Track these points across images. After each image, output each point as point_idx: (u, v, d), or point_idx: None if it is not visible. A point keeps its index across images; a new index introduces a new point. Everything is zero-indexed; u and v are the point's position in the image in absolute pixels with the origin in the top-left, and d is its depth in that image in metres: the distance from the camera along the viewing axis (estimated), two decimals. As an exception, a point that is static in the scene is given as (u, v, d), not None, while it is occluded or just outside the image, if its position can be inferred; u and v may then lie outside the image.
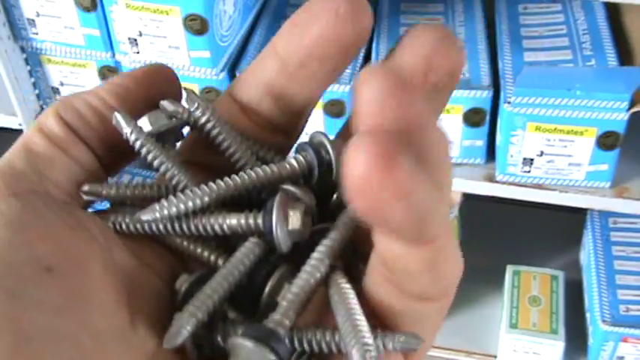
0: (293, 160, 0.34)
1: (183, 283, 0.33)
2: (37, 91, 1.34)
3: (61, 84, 1.31)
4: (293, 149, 0.36)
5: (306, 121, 0.36)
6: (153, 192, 0.35)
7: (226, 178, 0.34)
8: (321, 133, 0.35)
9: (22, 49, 1.29)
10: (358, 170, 0.24)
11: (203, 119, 0.35)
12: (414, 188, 0.24)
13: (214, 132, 0.35)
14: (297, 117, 0.35)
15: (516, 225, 1.71)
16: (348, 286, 0.31)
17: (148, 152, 0.34)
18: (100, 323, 0.30)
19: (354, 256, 0.33)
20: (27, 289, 0.29)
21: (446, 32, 0.30)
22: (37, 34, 1.24)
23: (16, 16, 1.23)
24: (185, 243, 0.34)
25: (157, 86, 0.36)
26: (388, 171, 0.24)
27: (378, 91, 0.25)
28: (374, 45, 1.22)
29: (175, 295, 0.33)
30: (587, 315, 1.48)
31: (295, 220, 0.32)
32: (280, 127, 0.36)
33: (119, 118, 0.34)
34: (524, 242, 1.68)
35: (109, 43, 1.21)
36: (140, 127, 0.34)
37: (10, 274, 0.29)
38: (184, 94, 0.36)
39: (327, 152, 0.34)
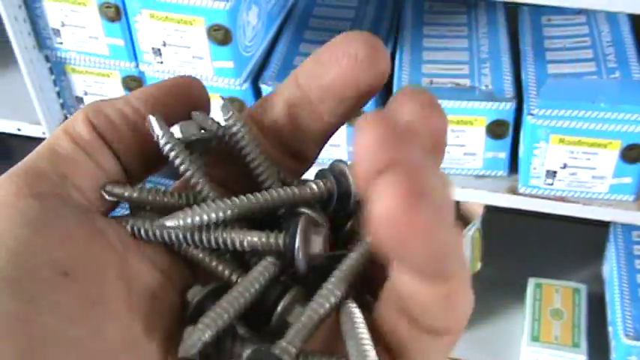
0: (314, 184, 0.35)
1: (195, 295, 0.33)
2: (61, 101, 1.35)
3: (85, 93, 1.32)
4: (313, 174, 0.36)
5: (321, 149, 0.37)
6: (174, 199, 0.35)
7: (250, 194, 0.34)
8: (342, 161, 0.35)
9: (47, 59, 1.30)
10: (386, 210, 0.25)
11: (234, 129, 0.35)
12: (436, 228, 0.25)
13: (242, 143, 0.35)
14: (313, 144, 0.36)
15: (539, 237, 1.70)
16: (359, 315, 0.31)
17: (176, 157, 0.34)
18: (112, 332, 0.30)
19: (362, 286, 0.34)
20: (42, 293, 0.29)
21: (429, 99, 0.31)
22: (61, 43, 1.25)
23: (41, 26, 1.24)
24: (201, 255, 0.34)
25: (185, 98, 0.36)
26: (415, 211, 0.24)
27: (374, 136, 0.26)
28: (397, 56, 1.22)
29: (186, 306, 0.33)
30: (610, 329, 1.47)
31: (317, 244, 0.33)
32: (296, 152, 0.37)
33: (152, 122, 0.34)
34: (547, 255, 1.67)
35: (133, 53, 1.21)
36: (172, 133, 0.34)
37: (27, 276, 0.29)
38: (219, 102, 0.36)
39: (347, 180, 0.34)
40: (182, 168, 0.34)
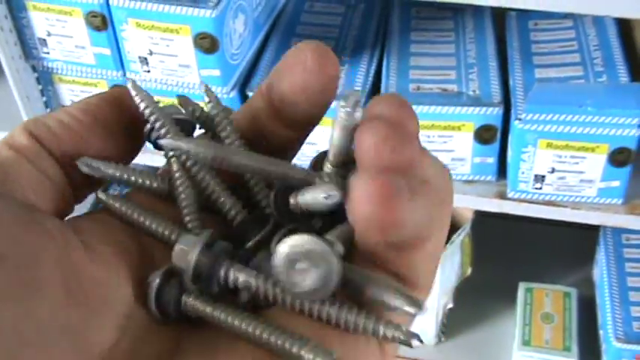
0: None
1: (155, 276, 0.32)
2: (48, 110, 1.35)
3: (73, 103, 1.31)
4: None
5: (303, 140, 0.38)
6: (153, 182, 0.35)
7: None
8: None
9: (34, 69, 1.29)
10: (363, 209, 0.30)
11: (213, 112, 0.36)
12: (408, 218, 0.30)
13: (222, 129, 0.36)
14: (282, 153, 0.37)
15: (529, 242, 1.71)
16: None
17: (156, 121, 0.35)
18: (47, 317, 0.29)
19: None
20: None
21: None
22: (48, 53, 1.25)
23: (27, 36, 1.24)
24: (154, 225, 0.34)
25: (129, 108, 0.36)
26: (387, 210, 0.29)
27: (375, 138, 0.30)
28: (384, 62, 1.22)
29: (147, 289, 0.32)
30: (601, 332, 1.47)
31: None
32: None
33: (131, 87, 0.35)
34: (537, 259, 1.67)
35: (120, 62, 1.21)
36: (152, 97, 0.35)
37: None
38: (201, 88, 0.37)
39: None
40: (162, 132, 0.35)
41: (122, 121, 0.36)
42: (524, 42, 1.26)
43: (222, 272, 0.32)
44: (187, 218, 0.34)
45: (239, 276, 0.32)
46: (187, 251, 0.32)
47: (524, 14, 1.31)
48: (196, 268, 0.32)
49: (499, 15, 1.33)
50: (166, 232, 0.34)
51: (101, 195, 0.35)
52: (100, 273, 0.32)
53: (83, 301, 0.31)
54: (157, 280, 0.32)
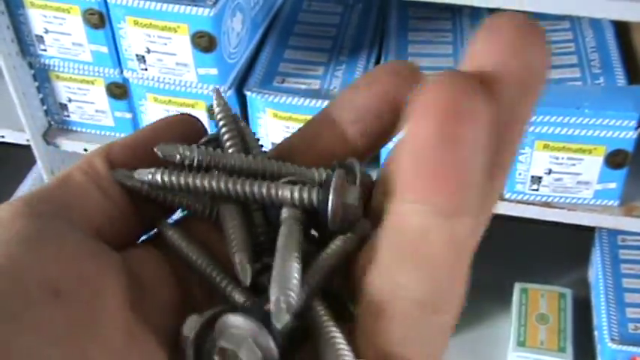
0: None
1: (192, 328, 0.31)
2: (45, 107, 1.35)
3: (69, 100, 1.31)
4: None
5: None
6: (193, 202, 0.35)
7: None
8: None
9: (31, 66, 1.29)
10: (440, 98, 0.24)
11: (218, 116, 0.35)
12: (473, 159, 0.25)
13: (223, 131, 0.35)
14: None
15: (525, 242, 1.71)
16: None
17: (226, 132, 0.34)
18: (102, 358, 0.28)
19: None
20: (29, 312, 0.27)
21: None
22: (45, 50, 1.24)
23: (24, 33, 1.24)
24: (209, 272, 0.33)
25: (197, 132, 0.36)
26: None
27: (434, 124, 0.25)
28: (382, 63, 1.22)
29: (184, 341, 0.31)
30: (596, 333, 1.47)
31: (352, 195, 0.32)
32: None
33: (215, 93, 0.35)
34: (533, 260, 1.67)
35: (117, 60, 1.21)
36: (229, 109, 0.35)
37: (15, 292, 0.27)
38: (214, 95, 0.37)
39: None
40: (228, 144, 0.34)
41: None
42: (521, 43, 1.26)
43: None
44: (234, 249, 0.33)
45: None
46: (187, 337, 0.30)
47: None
48: (196, 354, 0.30)
49: (497, 16, 1.33)
50: (213, 275, 0.33)
51: (163, 226, 0.34)
52: (153, 315, 0.31)
53: (142, 344, 0.30)
54: (192, 336, 0.31)
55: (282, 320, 0.28)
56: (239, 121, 0.36)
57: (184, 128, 0.35)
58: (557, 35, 1.28)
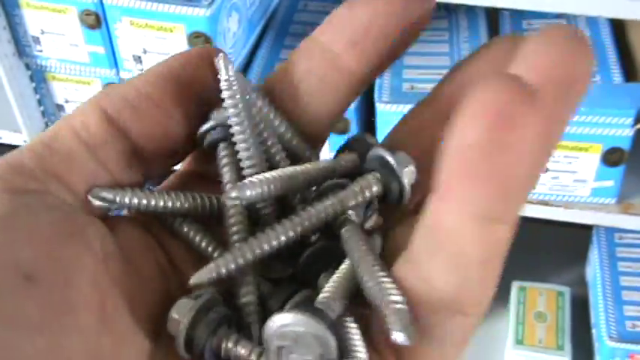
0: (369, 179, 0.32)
1: (183, 313, 0.29)
2: (42, 108, 1.35)
3: (66, 101, 1.31)
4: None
5: (333, 126, 0.35)
6: (188, 203, 0.32)
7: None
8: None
9: (27, 67, 1.29)
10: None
11: (226, 94, 0.31)
12: (523, 163, 0.25)
13: (231, 113, 0.32)
14: (326, 118, 0.34)
15: (522, 241, 1.69)
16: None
17: (236, 113, 0.31)
18: (78, 347, 0.26)
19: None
20: (0, 299, 0.25)
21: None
22: (41, 51, 1.24)
23: (20, 34, 1.24)
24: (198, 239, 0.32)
25: (203, 69, 0.33)
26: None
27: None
28: None
29: (172, 325, 0.29)
30: (594, 331, 1.47)
31: (411, 174, 0.31)
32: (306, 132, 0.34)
33: (221, 60, 0.31)
34: (531, 258, 1.67)
35: (114, 61, 1.21)
36: (239, 83, 0.31)
37: None
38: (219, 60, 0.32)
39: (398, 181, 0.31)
40: (236, 129, 0.31)
41: (200, 83, 0.32)
42: (517, 41, 1.26)
43: (215, 343, 0.29)
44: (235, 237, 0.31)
45: (233, 349, 0.29)
46: (179, 321, 0.29)
47: (517, 14, 1.32)
48: (187, 339, 0.29)
49: (493, 15, 1.33)
50: (209, 249, 0.32)
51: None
52: (135, 293, 0.29)
53: (116, 326, 0.28)
54: (185, 322, 0.29)
55: (408, 332, 0.27)
56: (252, 98, 0.32)
57: (196, 71, 0.32)
58: (554, 33, 1.28)
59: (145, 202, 0.31)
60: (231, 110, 0.31)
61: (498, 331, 1.54)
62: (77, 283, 0.27)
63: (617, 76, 1.18)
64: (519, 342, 1.44)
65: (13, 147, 1.34)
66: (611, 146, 1.11)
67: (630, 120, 1.08)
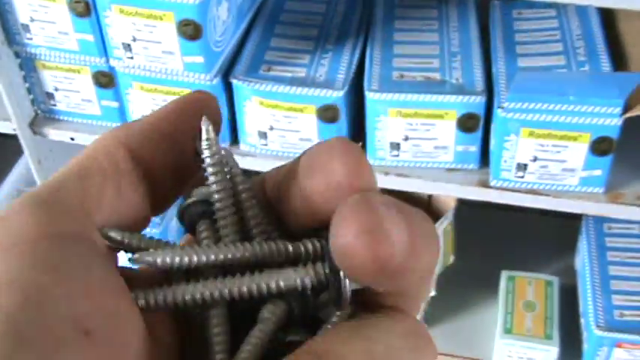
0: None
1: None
2: (31, 97, 1.34)
3: (56, 89, 1.31)
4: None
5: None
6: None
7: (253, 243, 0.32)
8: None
9: (17, 55, 1.29)
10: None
11: (206, 153, 0.32)
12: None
13: (209, 172, 0.32)
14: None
15: (511, 230, 1.71)
16: None
17: (214, 178, 0.32)
18: None
19: None
20: (59, 354, 0.25)
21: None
22: (31, 39, 1.24)
23: (10, 22, 1.23)
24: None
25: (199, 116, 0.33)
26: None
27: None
28: (368, 50, 1.22)
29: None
30: (582, 320, 1.48)
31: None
32: None
33: (205, 125, 0.32)
34: (520, 247, 1.68)
35: (103, 49, 1.21)
36: (218, 148, 0.32)
37: (44, 332, 0.25)
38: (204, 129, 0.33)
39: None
40: (216, 195, 0.32)
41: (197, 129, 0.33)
42: (507, 31, 1.26)
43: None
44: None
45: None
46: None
47: (507, 3, 1.32)
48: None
49: (483, 4, 1.33)
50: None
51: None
52: (169, 350, 0.31)
53: None
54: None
55: None
56: (229, 165, 0.33)
57: (200, 111, 0.33)
58: (543, 23, 1.28)
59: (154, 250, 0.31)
60: (214, 186, 0.32)
61: (488, 321, 1.55)
62: (129, 340, 0.27)
63: (605, 65, 1.18)
64: (508, 331, 1.45)
65: (2, 135, 1.35)
66: (600, 135, 1.11)
67: (619, 109, 1.09)
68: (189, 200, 0.33)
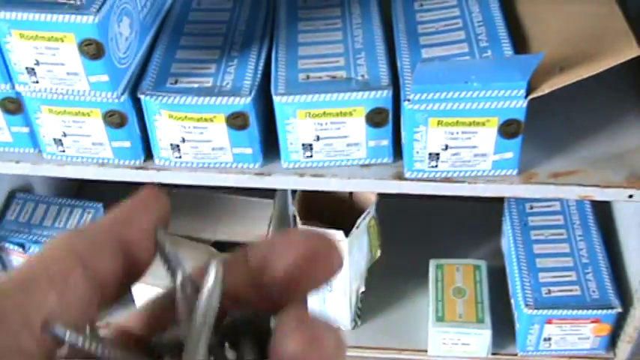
0: None
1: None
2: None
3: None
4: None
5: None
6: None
7: None
8: None
9: None
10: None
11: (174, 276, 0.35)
12: None
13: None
14: None
15: (437, 219, 1.73)
16: None
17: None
18: None
19: None
20: None
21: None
22: None
23: None
24: None
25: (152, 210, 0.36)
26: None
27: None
28: (273, 54, 1.22)
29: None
30: (512, 301, 1.50)
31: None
32: None
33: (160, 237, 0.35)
34: (446, 235, 1.70)
35: (7, 75, 1.19)
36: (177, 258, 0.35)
37: None
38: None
39: None
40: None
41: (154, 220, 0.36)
42: (410, 23, 1.28)
43: None
44: None
45: None
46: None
47: (409, -4, 1.33)
48: None
49: (385, -1, 1.34)
50: None
51: None
52: None
53: None
54: None
55: None
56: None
57: (149, 211, 0.36)
58: (445, 12, 1.29)
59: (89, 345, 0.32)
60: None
61: (420, 310, 1.56)
62: None
63: (507, 49, 1.19)
64: (440, 319, 1.46)
65: None
66: (507, 118, 1.13)
67: (522, 91, 1.10)
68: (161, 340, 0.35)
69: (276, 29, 1.28)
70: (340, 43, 1.24)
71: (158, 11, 1.33)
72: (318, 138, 1.18)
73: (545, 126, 1.27)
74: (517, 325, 1.48)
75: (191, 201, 1.60)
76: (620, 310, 1.40)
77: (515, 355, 1.50)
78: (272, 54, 1.23)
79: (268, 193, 1.50)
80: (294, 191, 1.50)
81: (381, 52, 1.21)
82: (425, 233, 1.71)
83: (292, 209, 1.49)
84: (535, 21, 1.28)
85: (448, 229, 1.72)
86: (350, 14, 1.30)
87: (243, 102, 1.15)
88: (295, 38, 1.26)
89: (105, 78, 1.15)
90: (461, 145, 1.16)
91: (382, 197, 1.47)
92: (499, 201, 1.60)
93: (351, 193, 1.50)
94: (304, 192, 1.45)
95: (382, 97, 1.14)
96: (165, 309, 0.35)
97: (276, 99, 1.14)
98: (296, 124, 1.16)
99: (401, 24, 1.27)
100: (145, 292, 1.31)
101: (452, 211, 1.73)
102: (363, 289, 1.54)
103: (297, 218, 1.41)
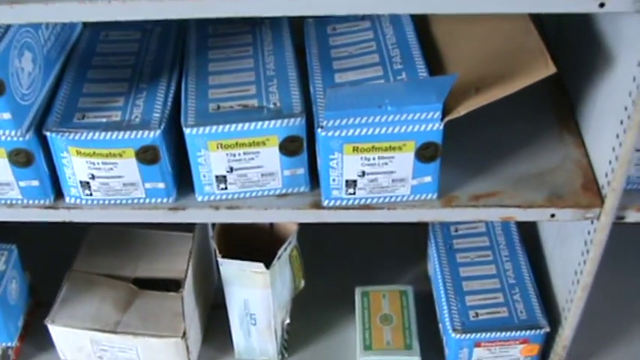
0: None
1: None
2: None
3: None
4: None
5: None
6: None
7: None
8: None
9: None
10: None
11: None
12: None
13: None
14: None
15: (361, 245, 1.71)
16: None
17: None
18: None
19: None
20: None
21: None
22: None
23: None
24: None
25: None
26: None
27: None
28: (183, 84, 1.19)
29: None
30: (440, 325, 1.48)
31: None
32: None
33: None
34: (372, 261, 1.68)
35: None
36: None
37: None
38: None
39: None
40: None
41: None
42: (323, 48, 1.25)
43: None
44: None
45: None
46: None
47: (322, 20, 1.31)
48: None
49: (297, 23, 1.32)
50: None
51: None
52: None
53: None
54: None
55: None
56: None
57: None
58: (358, 36, 1.27)
59: None
60: None
61: (348, 339, 1.54)
62: None
63: (422, 71, 1.18)
64: (368, 347, 1.43)
65: None
66: (424, 142, 1.11)
67: (438, 113, 1.09)
68: None
69: (186, 59, 1.25)
70: (251, 71, 1.21)
71: (64, 44, 1.29)
72: (231, 169, 1.14)
73: (465, 148, 1.26)
74: (446, 350, 1.45)
75: (109, 237, 1.56)
76: (548, 329, 1.39)
77: (447, 380, 1.48)
78: (182, 83, 1.20)
79: (189, 226, 1.47)
80: (213, 224, 1.46)
81: (294, 79, 1.19)
82: (350, 260, 1.68)
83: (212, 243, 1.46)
84: (450, 42, 1.26)
85: (373, 255, 1.69)
86: (262, 40, 1.28)
87: (153, 135, 1.11)
88: (205, 67, 1.22)
89: (7, 116, 1.10)
90: (378, 171, 1.14)
91: (303, 226, 1.44)
92: (424, 224, 1.58)
93: (271, 224, 1.47)
94: (223, 224, 1.42)
95: (295, 124, 1.12)
96: None
97: (186, 131, 1.11)
98: (208, 155, 1.13)
99: (314, 49, 1.25)
100: (63, 333, 1.27)
101: (376, 236, 1.70)
102: (288, 320, 1.51)
103: (217, 252, 1.38)
